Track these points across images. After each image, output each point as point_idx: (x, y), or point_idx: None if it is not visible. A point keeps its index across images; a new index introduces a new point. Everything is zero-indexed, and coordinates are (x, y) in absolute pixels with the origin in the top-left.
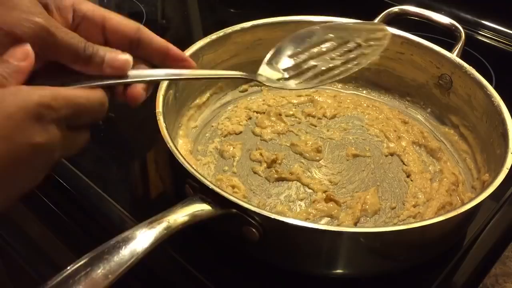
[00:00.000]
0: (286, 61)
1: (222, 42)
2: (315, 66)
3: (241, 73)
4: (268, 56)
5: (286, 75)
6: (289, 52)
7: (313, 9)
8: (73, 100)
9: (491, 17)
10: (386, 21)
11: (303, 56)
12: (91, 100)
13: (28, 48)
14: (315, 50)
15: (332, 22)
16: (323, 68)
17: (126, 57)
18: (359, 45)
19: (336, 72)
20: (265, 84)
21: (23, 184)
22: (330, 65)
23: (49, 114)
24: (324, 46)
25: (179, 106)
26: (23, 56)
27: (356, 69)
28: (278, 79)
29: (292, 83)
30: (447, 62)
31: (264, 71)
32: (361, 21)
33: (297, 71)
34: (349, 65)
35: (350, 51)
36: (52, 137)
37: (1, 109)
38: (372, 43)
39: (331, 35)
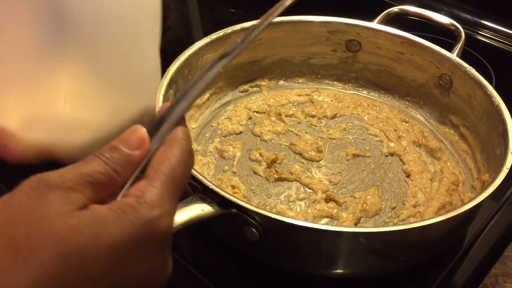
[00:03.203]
0: None
1: (222, 42)
2: None
3: None
4: None
5: None
6: None
7: (313, 9)
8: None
9: (491, 17)
10: (386, 21)
11: None
12: (182, 161)
13: (143, 132)
14: None
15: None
16: None
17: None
18: None
19: None
20: None
21: None
22: None
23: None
24: None
25: None
26: (138, 143)
27: None
28: None
29: None
30: (447, 62)
31: None
32: None
33: None
34: None
35: None
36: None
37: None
38: None
39: None
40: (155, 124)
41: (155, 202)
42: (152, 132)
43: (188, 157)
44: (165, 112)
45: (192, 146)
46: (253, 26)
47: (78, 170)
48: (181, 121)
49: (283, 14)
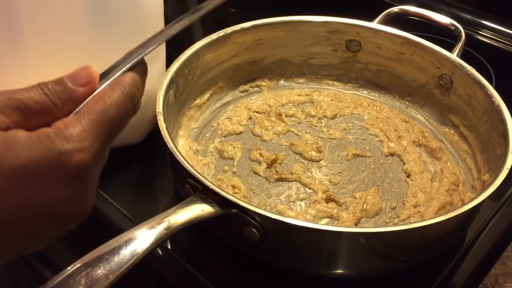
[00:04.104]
0: None
1: (222, 42)
2: None
3: None
4: None
5: None
6: None
7: (313, 9)
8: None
9: (491, 17)
10: (386, 21)
11: None
12: (112, 98)
13: (93, 70)
14: None
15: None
16: None
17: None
18: None
19: None
20: None
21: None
22: None
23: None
24: None
25: (179, 106)
26: (85, 80)
27: None
28: None
29: None
30: (447, 62)
31: None
32: None
33: None
34: None
35: None
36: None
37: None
38: None
39: None
40: (110, 67)
41: (74, 137)
42: (107, 73)
43: (128, 102)
44: (122, 57)
45: (192, 146)
46: None
47: (11, 95)
48: (137, 67)
49: (282, 14)
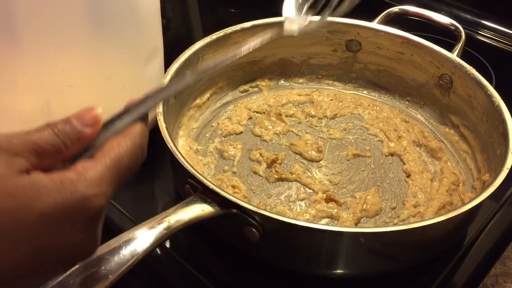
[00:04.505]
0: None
1: (222, 42)
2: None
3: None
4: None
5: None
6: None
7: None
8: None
9: (491, 17)
10: (386, 21)
11: None
12: (127, 142)
13: (98, 112)
14: None
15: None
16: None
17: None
18: None
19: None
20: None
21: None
22: None
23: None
24: None
25: (179, 106)
26: (91, 121)
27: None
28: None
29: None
30: (447, 62)
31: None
32: None
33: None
34: None
35: None
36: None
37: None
38: None
39: None
40: (118, 114)
41: (93, 181)
42: (113, 121)
43: (138, 151)
44: (131, 106)
45: (192, 146)
46: (234, 53)
47: (27, 137)
48: (143, 118)
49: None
